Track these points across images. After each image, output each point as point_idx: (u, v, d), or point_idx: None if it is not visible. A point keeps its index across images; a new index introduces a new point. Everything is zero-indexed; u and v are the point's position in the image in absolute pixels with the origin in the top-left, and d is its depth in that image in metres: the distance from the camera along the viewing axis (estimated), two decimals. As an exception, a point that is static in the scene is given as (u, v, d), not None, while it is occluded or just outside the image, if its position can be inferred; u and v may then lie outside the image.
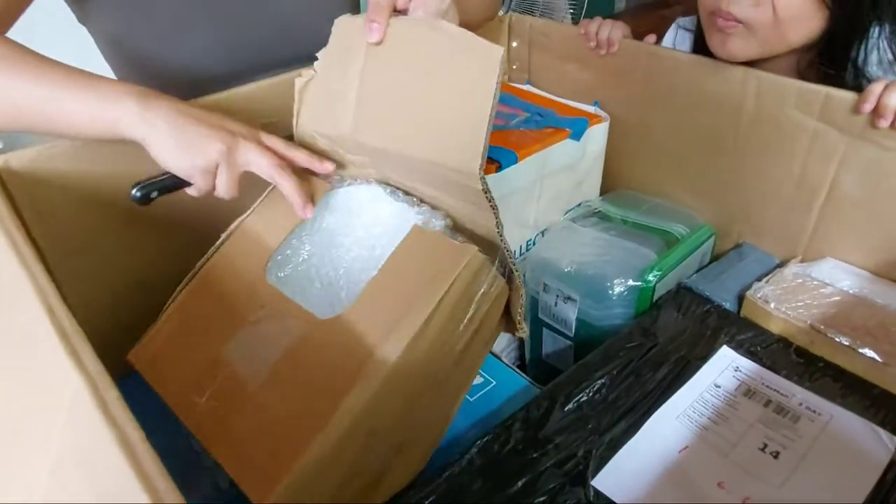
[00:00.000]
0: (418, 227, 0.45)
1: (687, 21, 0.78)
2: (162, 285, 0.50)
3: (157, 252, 0.51)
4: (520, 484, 0.44)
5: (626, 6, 2.69)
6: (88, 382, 0.29)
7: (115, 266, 0.50)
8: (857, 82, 0.61)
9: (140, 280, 0.51)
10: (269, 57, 0.67)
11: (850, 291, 0.57)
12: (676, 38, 0.81)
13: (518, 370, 0.60)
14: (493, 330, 0.50)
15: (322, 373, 0.41)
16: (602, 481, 0.44)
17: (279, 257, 0.52)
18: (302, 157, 0.51)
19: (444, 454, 0.50)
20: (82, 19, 0.66)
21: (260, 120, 0.60)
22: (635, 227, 0.69)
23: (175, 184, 0.49)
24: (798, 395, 0.50)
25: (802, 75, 0.64)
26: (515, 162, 0.62)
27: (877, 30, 0.60)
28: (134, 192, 0.48)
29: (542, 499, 0.43)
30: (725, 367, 0.53)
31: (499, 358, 0.62)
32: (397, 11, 0.48)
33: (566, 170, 0.70)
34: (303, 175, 0.52)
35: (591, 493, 0.43)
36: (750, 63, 0.63)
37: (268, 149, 0.49)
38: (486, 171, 0.60)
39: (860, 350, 0.52)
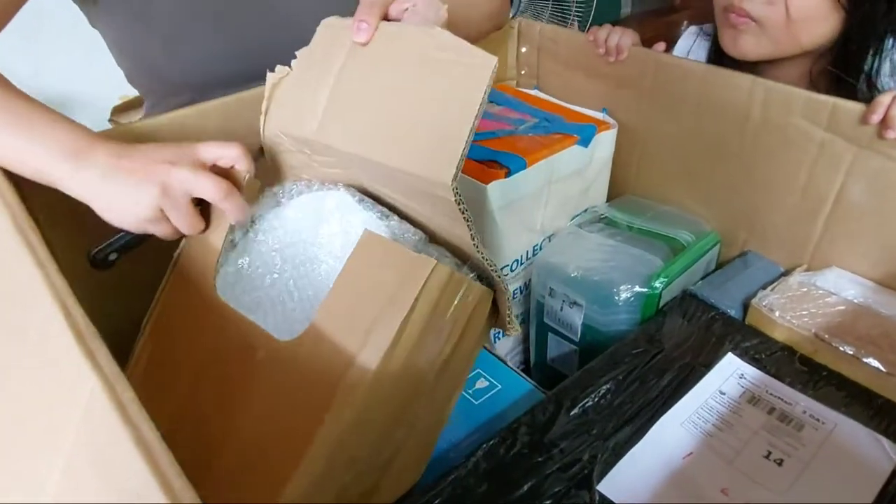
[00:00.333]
0: (370, 232, 0.42)
1: (707, 26, 0.78)
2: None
3: (169, 254, 0.51)
4: (525, 488, 0.45)
5: (632, 11, 2.69)
6: (104, 383, 0.29)
7: (125, 268, 0.51)
8: (870, 93, 0.62)
9: (151, 281, 0.51)
10: (274, 62, 0.68)
11: (855, 301, 0.57)
12: (694, 43, 0.81)
13: (523, 374, 0.60)
14: (480, 334, 0.48)
15: (291, 402, 0.40)
16: (607, 486, 0.44)
17: (251, 276, 0.49)
18: (234, 204, 0.46)
19: (449, 457, 0.51)
20: (93, 22, 0.67)
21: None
22: (641, 233, 0.69)
23: (134, 239, 0.47)
24: (802, 403, 0.50)
25: (814, 83, 0.65)
26: (524, 167, 0.63)
27: (890, 41, 0.60)
28: (92, 255, 0.46)
29: (547, 502, 0.43)
30: (730, 374, 0.53)
31: (504, 362, 0.62)
32: (388, 19, 0.47)
33: (574, 176, 0.70)
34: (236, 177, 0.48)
35: (597, 498, 0.44)
36: (761, 66, 0.63)
37: (203, 166, 0.46)
38: (495, 177, 0.61)
39: (864, 359, 0.52)
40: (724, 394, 0.51)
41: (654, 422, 0.49)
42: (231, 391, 0.42)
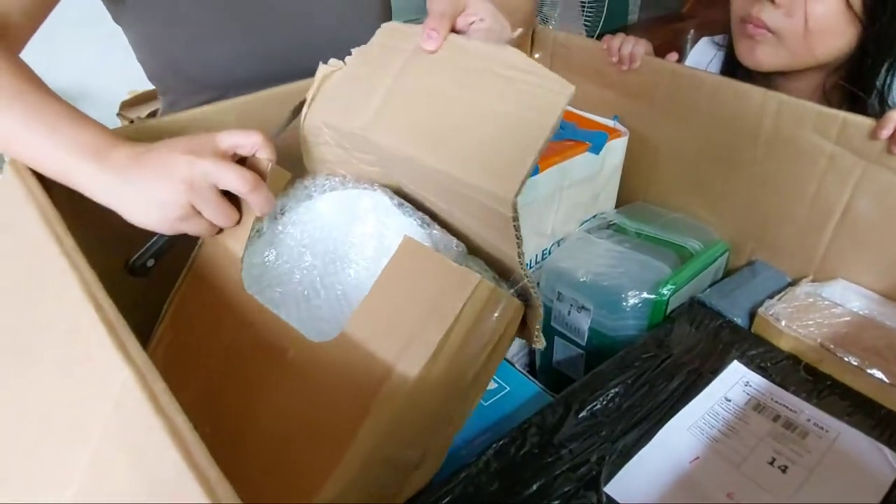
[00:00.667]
0: (410, 239, 0.41)
1: (718, 38, 0.79)
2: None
3: (191, 247, 0.52)
4: (535, 487, 0.45)
5: (639, 18, 2.71)
6: (136, 373, 0.30)
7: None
8: (881, 108, 0.63)
9: (171, 272, 0.51)
10: (295, 66, 0.69)
11: (861, 312, 0.58)
12: (714, 58, 0.81)
13: (530, 377, 0.61)
14: (508, 344, 0.48)
15: (326, 404, 0.40)
16: (615, 488, 0.45)
17: (279, 269, 0.49)
18: (262, 196, 0.45)
19: (461, 455, 0.52)
20: (117, 19, 0.68)
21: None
22: (650, 240, 0.70)
23: (168, 242, 0.46)
24: (806, 411, 0.51)
25: (827, 96, 0.65)
26: (536, 172, 0.64)
27: None
28: (129, 264, 0.46)
29: (556, 502, 0.44)
30: (736, 381, 0.54)
31: (511, 364, 0.63)
32: (454, 30, 0.48)
33: (584, 182, 0.71)
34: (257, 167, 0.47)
35: (604, 499, 0.45)
36: (774, 78, 0.64)
37: (224, 156, 0.45)
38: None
39: (868, 370, 0.53)
40: (730, 400, 0.52)
41: (662, 426, 0.50)
42: (256, 388, 0.42)
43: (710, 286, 0.67)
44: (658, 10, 2.84)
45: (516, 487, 0.45)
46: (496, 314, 0.42)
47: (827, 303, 0.60)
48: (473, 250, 0.48)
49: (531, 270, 0.70)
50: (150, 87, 0.76)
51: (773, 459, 0.47)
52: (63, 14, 0.58)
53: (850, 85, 0.60)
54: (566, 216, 0.72)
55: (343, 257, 0.49)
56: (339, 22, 0.73)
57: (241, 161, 0.46)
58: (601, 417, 0.51)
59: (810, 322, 0.57)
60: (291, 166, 0.51)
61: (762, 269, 0.68)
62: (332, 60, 0.51)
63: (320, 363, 0.41)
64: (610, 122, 0.75)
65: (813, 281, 0.65)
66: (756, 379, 0.54)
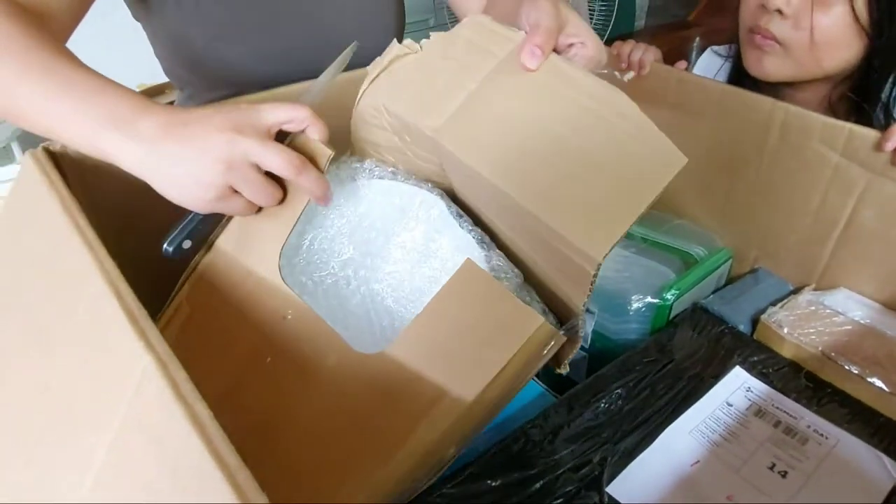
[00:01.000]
0: (472, 263, 0.39)
1: (722, 48, 0.80)
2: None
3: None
4: (537, 485, 0.46)
5: (646, 24, 2.72)
6: (158, 362, 0.31)
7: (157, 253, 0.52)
8: (887, 120, 0.63)
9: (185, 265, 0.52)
10: (316, 67, 0.69)
11: (862, 322, 0.59)
12: (721, 68, 0.82)
13: (534, 377, 0.62)
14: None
15: (374, 410, 0.39)
16: (616, 488, 0.46)
17: (314, 256, 0.48)
18: (312, 178, 0.42)
19: (462, 454, 0.52)
20: (138, 16, 0.68)
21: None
22: (655, 245, 0.71)
23: (205, 222, 0.44)
24: (806, 418, 0.52)
25: (833, 107, 0.66)
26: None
27: None
28: (165, 247, 0.43)
29: (558, 501, 0.45)
30: (738, 386, 0.55)
31: (516, 364, 0.63)
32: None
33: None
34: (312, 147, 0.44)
35: (606, 499, 0.45)
36: (781, 88, 0.64)
37: (269, 134, 0.42)
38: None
39: (868, 379, 0.54)
40: (731, 405, 0.53)
41: (664, 429, 0.51)
42: (289, 386, 0.41)
43: (714, 292, 0.68)
44: (664, 17, 2.85)
45: (519, 485, 0.46)
46: (546, 351, 0.41)
47: (829, 311, 0.60)
48: (530, 281, 0.46)
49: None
50: (160, 80, 0.77)
51: (773, 464, 0.48)
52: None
53: (856, 96, 0.61)
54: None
55: (383, 253, 0.47)
56: (360, 24, 0.74)
57: (286, 136, 0.44)
58: (603, 419, 0.52)
59: (812, 330, 0.58)
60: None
61: (765, 277, 0.68)
62: (407, 41, 0.48)
63: (364, 376, 0.40)
64: (618, 128, 0.76)
65: (815, 289, 0.65)
66: (757, 385, 0.55)
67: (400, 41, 0.75)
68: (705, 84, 0.69)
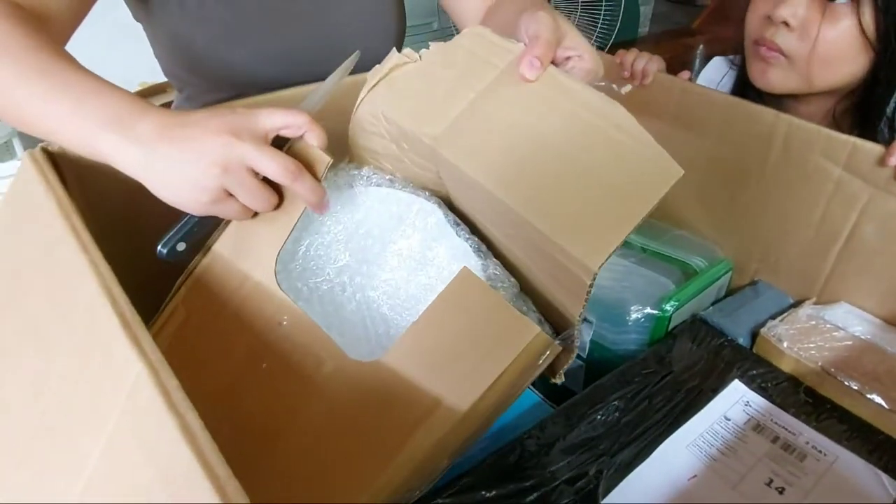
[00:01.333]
0: (469, 272, 0.40)
1: (731, 57, 0.80)
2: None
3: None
4: (533, 497, 0.46)
5: (650, 31, 2.72)
6: (150, 369, 0.30)
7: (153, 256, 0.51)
8: (891, 135, 0.63)
9: (181, 268, 0.52)
10: (317, 69, 0.69)
11: (862, 337, 0.59)
12: (725, 76, 0.82)
13: (531, 387, 0.61)
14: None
15: (369, 419, 0.39)
16: (612, 502, 0.46)
17: (311, 262, 0.48)
18: (307, 186, 0.42)
19: (458, 463, 0.52)
20: (139, 17, 0.68)
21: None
22: (655, 255, 0.70)
23: (200, 225, 0.44)
24: (805, 434, 0.51)
25: (837, 121, 0.66)
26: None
27: None
28: (159, 248, 0.43)
29: (554, 514, 0.45)
30: (736, 400, 0.54)
31: (513, 373, 0.63)
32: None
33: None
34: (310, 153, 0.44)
35: (602, 513, 0.45)
36: (786, 100, 0.64)
37: (265, 139, 0.42)
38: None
39: (868, 395, 0.53)
40: (729, 420, 0.53)
41: (661, 442, 0.50)
42: (284, 392, 0.41)
43: (713, 304, 0.68)
44: (668, 24, 2.86)
45: (514, 497, 0.46)
46: (542, 360, 0.42)
47: (829, 326, 0.60)
48: (526, 290, 0.47)
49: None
50: (160, 79, 0.76)
51: (771, 480, 0.48)
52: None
53: (861, 111, 0.60)
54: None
55: (379, 261, 0.47)
56: (361, 27, 0.74)
57: (284, 142, 0.43)
58: (600, 431, 0.51)
59: (811, 345, 0.58)
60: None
61: (765, 290, 0.68)
62: (407, 50, 0.48)
63: (360, 384, 0.40)
64: (620, 137, 0.75)
65: (816, 303, 0.65)
66: (756, 399, 0.55)
67: (401, 45, 0.76)
68: (709, 95, 0.69)
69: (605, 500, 0.46)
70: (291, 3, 0.70)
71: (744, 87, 0.75)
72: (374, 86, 0.48)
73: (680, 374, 0.57)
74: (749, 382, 0.56)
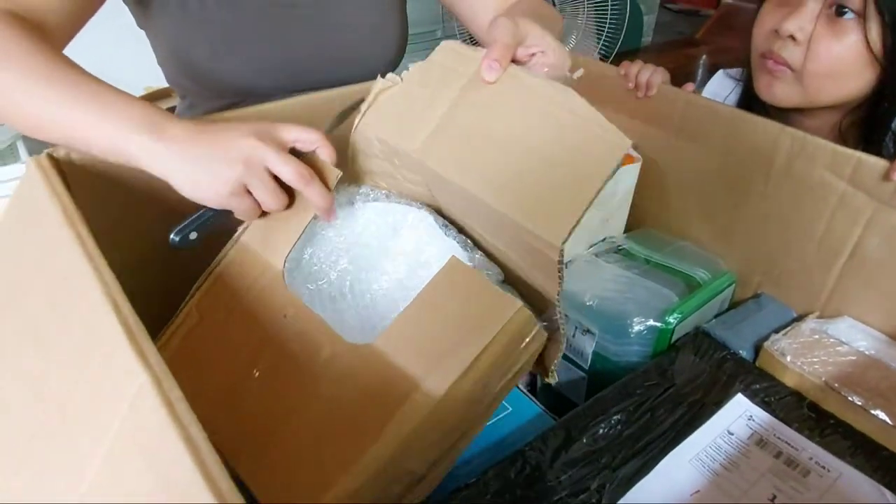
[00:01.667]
0: (457, 259, 0.43)
1: (734, 71, 0.80)
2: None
3: (206, 250, 0.52)
4: (534, 511, 0.46)
5: (653, 41, 2.73)
6: (154, 380, 0.30)
7: (161, 259, 0.51)
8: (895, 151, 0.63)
9: (188, 275, 0.52)
10: (316, 78, 0.70)
11: (866, 352, 0.58)
12: (731, 92, 0.82)
13: (533, 398, 0.61)
14: (525, 372, 0.49)
15: (352, 406, 0.41)
16: (614, 516, 0.45)
17: (314, 267, 0.50)
18: (317, 191, 0.46)
19: (459, 474, 0.52)
20: (142, 24, 0.68)
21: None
22: (658, 267, 0.70)
23: (214, 217, 0.47)
24: (809, 449, 0.51)
25: (843, 135, 0.66)
26: (549, 194, 0.64)
27: None
28: (172, 236, 0.46)
29: (555, 528, 0.44)
30: (739, 414, 0.54)
31: (516, 384, 0.63)
32: (514, 60, 0.48)
33: (596, 205, 0.70)
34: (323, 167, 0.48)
35: (603, 527, 0.45)
36: (791, 114, 0.64)
37: (284, 147, 0.46)
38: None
39: (872, 411, 0.53)
40: (732, 434, 0.52)
41: (664, 456, 0.50)
42: (288, 380, 0.43)
43: (716, 317, 0.67)
44: (671, 34, 2.87)
45: (516, 510, 0.45)
46: (524, 343, 0.43)
47: (832, 340, 0.60)
48: (510, 280, 0.49)
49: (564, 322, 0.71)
50: (165, 84, 0.77)
51: (774, 496, 0.47)
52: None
53: (866, 126, 0.60)
54: (575, 238, 0.71)
55: (377, 267, 0.50)
56: (364, 37, 0.75)
57: (299, 155, 0.47)
58: (602, 444, 0.51)
59: (815, 359, 0.57)
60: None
61: (767, 303, 0.68)
62: (390, 75, 0.52)
63: (353, 366, 0.42)
64: (624, 148, 0.76)
65: (819, 317, 0.65)
66: (759, 413, 0.54)
67: (402, 53, 0.78)
68: (713, 107, 0.69)
69: (607, 515, 0.46)
70: (293, 9, 0.70)
71: (749, 101, 0.75)
72: (365, 112, 0.52)
73: (682, 387, 0.57)
74: (752, 396, 0.56)
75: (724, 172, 0.69)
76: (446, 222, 0.51)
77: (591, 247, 0.75)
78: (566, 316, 0.68)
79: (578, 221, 0.40)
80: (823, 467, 0.50)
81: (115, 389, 0.32)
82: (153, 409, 0.29)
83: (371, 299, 0.48)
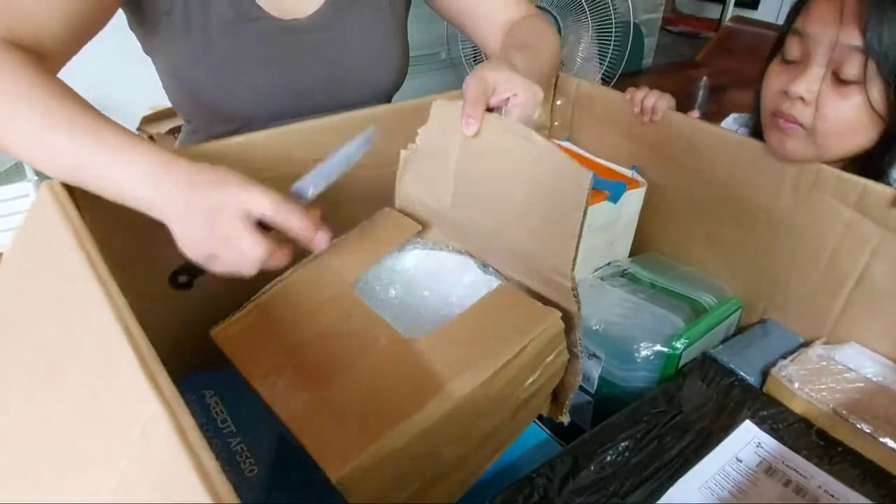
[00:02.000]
0: (506, 285, 0.51)
1: (743, 117, 0.81)
2: (214, 307, 0.52)
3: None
4: (542, 540, 0.45)
5: (654, 63, 2.76)
6: (166, 407, 0.30)
7: (163, 287, 0.52)
8: None
9: (199, 299, 0.52)
10: (319, 101, 0.71)
11: (874, 379, 0.58)
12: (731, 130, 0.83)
13: (539, 422, 0.61)
14: (544, 401, 0.55)
15: (399, 384, 0.45)
16: (623, 545, 0.45)
17: (366, 289, 0.57)
18: (296, 223, 0.47)
19: (465, 499, 0.51)
20: (148, 50, 0.69)
21: (315, 155, 0.63)
22: (664, 291, 0.70)
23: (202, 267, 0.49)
24: (818, 477, 0.51)
25: None
26: (556, 219, 0.64)
27: None
28: (174, 277, 0.49)
29: (564, 557, 0.44)
30: (747, 441, 0.54)
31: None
32: (489, 109, 0.52)
33: (601, 229, 0.72)
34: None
35: (612, 557, 0.44)
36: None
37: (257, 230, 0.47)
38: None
39: (881, 439, 0.53)
40: (740, 461, 0.52)
41: (672, 483, 0.50)
42: (345, 357, 0.48)
43: (722, 342, 0.67)
44: (672, 55, 2.90)
45: (524, 538, 0.45)
46: (550, 358, 0.50)
47: (840, 367, 0.60)
48: None
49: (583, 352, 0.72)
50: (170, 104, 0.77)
51: (784, 525, 0.47)
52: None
53: (869, 174, 0.61)
54: (581, 262, 0.71)
55: (420, 299, 0.56)
56: (368, 60, 0.75)
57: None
58: (610, 472, 0.51)
59: (823, 386, 0.57)
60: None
61: (773, 329, 0.68)
62: (411, 145, 0.58)
63: (405, 350, 0.48)
64: (628, 172, 0.76)
65: (826, 343, 0.65)
66: (768, 440, 0.54)
67: (404, 75, 0.81)
68: (718, 133, 0.70)
69: (616, 544, 0.45)
70: (297, 34, 0.71)
71: None
72: (401, 179, 0.60)
73: (690, 414, 0.57)
74: (760, 423, 0.56)
75: (729, 198, 0.70)
76: (484, 263, 0.57)
77: (596, 270, 0.75)
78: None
79: (577, 249, 0.47)
80: (832, 496, 0.49)
81: (126, 417, 0.32)
82: (165, 437, 0.29)
83: (410, 325, 0.52)
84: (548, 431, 0.60)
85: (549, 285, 0.51)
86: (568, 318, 0.50)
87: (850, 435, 0.54)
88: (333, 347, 0.49)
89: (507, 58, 0.59)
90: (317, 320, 0.51)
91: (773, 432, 0.55)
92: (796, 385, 0.57)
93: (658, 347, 0.62)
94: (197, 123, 0.76)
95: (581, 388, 0.70)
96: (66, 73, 0.54)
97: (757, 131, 0.69)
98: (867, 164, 0.63)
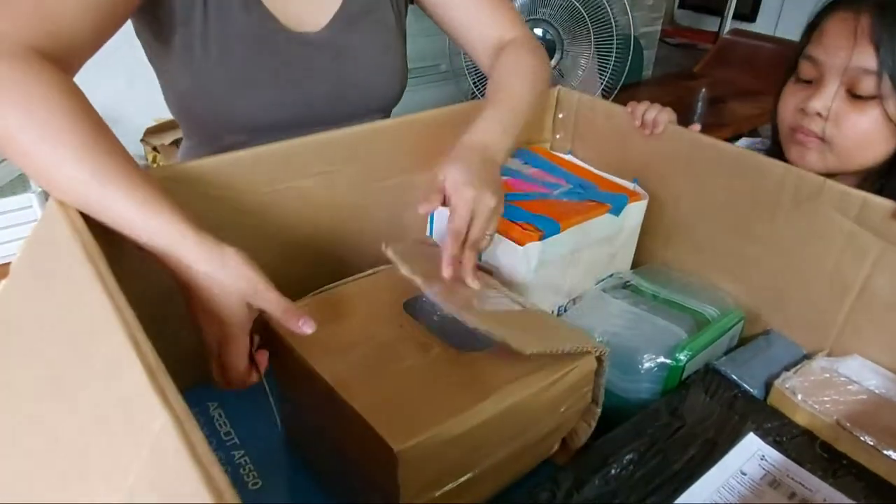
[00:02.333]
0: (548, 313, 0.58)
1: (755, 142, 0.83)
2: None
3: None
4: (548, 553, 0.45)
5: (653, 74, 2.77)
6: (176, 422, 0.30)
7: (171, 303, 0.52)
8: None
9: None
10: (325, 112, 0.71)
11: (877, 391, 0.58)
12: None
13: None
14: (557, 440, 0.57)
15: (454, 382, 0.49)
16: (628, 559, 0.45)
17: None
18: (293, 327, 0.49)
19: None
20: (158, 62, 0.70)
21: (319, 168, 0.64)
22: (666, 303, 0.70)
23: None
24: (822, 491, 0.51)
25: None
26: (558, 231, 0.65)
27: None
28: None
29: (569, 571, 0.44)
30: (752, 454, 0.54)
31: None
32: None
33: (603, 242, 0.72)
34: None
35: (618, 571, 0.44)
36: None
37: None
38: (531, 239, 0.63)
39: (884, 451, 0.53)
40: (745, 474, 0.52)
41: (677, 497, 0.50)
42: (397, 360, 0.51)
43: (725, 354, 0.67)
44: (670, 66, 2.91)
45: (529, 552, 0.45)
46: (580, 392, 0.53)
47: (843, 379, 0.60)
48: None
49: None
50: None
51: (789, 539, 0.47)
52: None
53: (882, 187, 0.62)
54: (583, 275, 0.72)
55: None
56: (372, 71, 0.76)
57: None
58: (615, 485, 0.51)
59: (826, 398, 0.57)
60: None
61: (776, 340, 0.68)
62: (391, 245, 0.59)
63: (456, 359, 0.51)
64: (630, 185, 0.77)
65: (828, 355, 0.65)
66: (772, 453, 0.54)
67: (405, 85, 0.83)
68: (718, 146, 0.70)
69: (621, 557, 0.45)
70: (307, 47, 0.72)
71: None
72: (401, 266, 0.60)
73: (693, 427, 0.57)
74: (764, 436, 0.56)
75: (730, 210, 0.70)
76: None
77: (598, 282, 0.75)
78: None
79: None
80: (838, 509, 0.49)
81: (135, 432, 0.32)
82: (175, 451, 0.29)
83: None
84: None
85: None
86: (599, 362, 0.54)
87: (854, 447, 0.54)
88: (389, 348, 0.52)
89: (477, 144, 0.62)
90: (371, 323, 0.55)
91: (777, 445, 0.55)
92: (800, 397, 0.58)
93: (661, 359, 0.62)
94: (201, 137, 0.77)
95: (584, 400, 0.70)
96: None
97: (770, 154, 0.71)
98: (887, 174, 0.64)
